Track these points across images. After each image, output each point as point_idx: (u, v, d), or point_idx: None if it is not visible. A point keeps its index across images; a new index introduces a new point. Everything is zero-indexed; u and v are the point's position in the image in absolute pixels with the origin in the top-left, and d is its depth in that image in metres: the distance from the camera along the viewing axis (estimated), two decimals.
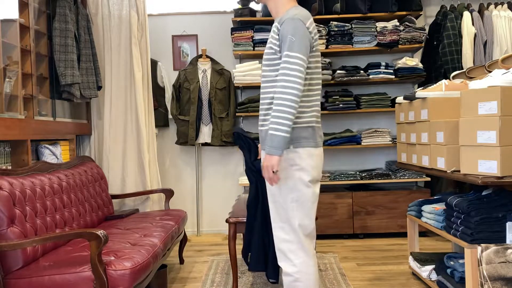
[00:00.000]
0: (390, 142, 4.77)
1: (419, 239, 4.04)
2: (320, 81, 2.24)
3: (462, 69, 4.05)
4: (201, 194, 5.15)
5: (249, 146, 2.80)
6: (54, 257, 2.57)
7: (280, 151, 2.04)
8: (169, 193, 4.14)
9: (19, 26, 3.21)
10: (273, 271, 2.81)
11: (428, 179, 4.76)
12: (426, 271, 3.17)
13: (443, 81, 3.02)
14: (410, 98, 3.23)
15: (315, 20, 4.59)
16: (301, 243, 2.17)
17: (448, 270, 2.86)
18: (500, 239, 2.49)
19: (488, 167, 2.33)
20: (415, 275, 3.44)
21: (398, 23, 4.70)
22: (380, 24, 4.69)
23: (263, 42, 4.68)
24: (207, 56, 4.91)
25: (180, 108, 4.86)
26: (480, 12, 4.69)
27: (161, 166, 5.01)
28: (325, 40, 4.72)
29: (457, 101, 2.83)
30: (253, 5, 4.83)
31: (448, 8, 4.76)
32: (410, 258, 3.44)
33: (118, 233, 3.10)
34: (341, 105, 4.73)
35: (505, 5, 4.67)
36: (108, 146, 4.35)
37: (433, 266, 3.15)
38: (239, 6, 4.80)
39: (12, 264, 2.40)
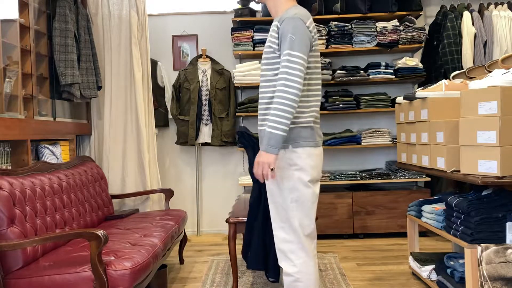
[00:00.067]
0: (390, 142, 4.77)
1: (419, 239, 4.04)
2: (320, 81, 2.24)
3: (462, 69, 4.05)
4: (201, 194, 5.15)
5: (253, 145, 2.80)
6: (54, 257, 2.57)
7: (277, 150, 2.04)
8: (169, 193, 4.14)
9: (19, 26, 3.21)
10: (273, 271, 2.81)
11: (428, 179, 4.76)
12: (426, 271, 3.17)
13: (443, 81, 3.02)
14: (410, 98, 3.23)
15: (315, 20, 4.59)
16: (302, 243, 2.16)
17: (448, 270, 2.86)
18: (500, 239, 2.49)
19: (488, 167, 2.33)
20: (415, 275, 3.44)
21: (398, 23, 4.70)
22: (380, 24, 4.69)
23: (263, 42, 4.68)
24: (207, 56, 4.92)
25: (180, 108, 4.86)
26: (480, 12, 4.69)
27: (161, 166, 5.01)
28: (325, 40, 4.72)
29: (457, 101, 2.83)
30: (253, 5, 4.83)
31: (448, 8, 4.76)
32: (410, 258, 3.44)
33: (118, 233, 3.10)
34: (341, 105, 4.73)
35: (505, 5, 4.67)
36: (108, 146, 4.35)
37: (433, 266, 3.15)
38: (239, 6, 4.80)
39: (12, 264, 2.40)
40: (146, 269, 2.54)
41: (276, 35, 2.12)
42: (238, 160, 5.14)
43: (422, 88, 3.16)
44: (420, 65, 4.72)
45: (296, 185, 2.15)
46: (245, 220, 2.97)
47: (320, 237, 4.35)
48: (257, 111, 4.60)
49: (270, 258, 2.79)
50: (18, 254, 2.41)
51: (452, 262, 2.90)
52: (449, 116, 2.84)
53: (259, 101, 2.24)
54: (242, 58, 5.01)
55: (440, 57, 4.63)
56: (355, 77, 4.69)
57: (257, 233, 2.79)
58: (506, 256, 2.43)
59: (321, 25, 4.68)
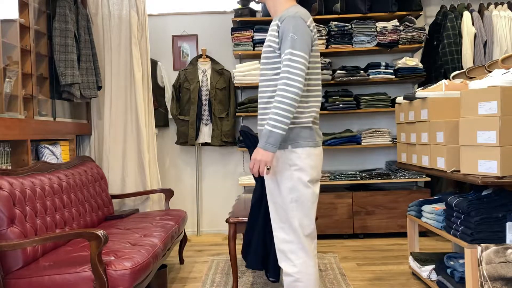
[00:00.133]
0: (390, 142, 4.77)
1: (419, 239, 4.04)
2: (320, 82, 2.23)
3: (462, 69, 4.05)
4: (201, 194, 5.15)
5: (255, 144, 2.79)
6: (54, 257, 2.57)
7: (276, 148, 2.03)
8: (169, 193, 4.14)
9: (19, 26, 3.20)
10: (273, 271, 2.81)
11: (428, 179, 4.76)
12: (426, 271, 3.17)
13: (443, 81, 3.02)
14: (410, 98, 3.23)
15: (315, 20, 4.59)
16: (302, 244, 2.16)
17: (448, 270, 2.86)
18: (500, 239, 2.49)
19: (488, 167, 2.33)
20: (415, 275, 3.44)
21: (398, 23, 4.70)
22: (380, 24, 4.69)
23: (263, 42, 4.61)
24: (207, 56, 4.92)
25: (180, 108, 4.86)
26: (480, 12, 4.69)
27: (161, 166, 5.01)
28: (325, 40, 4.72)
29: (457, 101, 2.83)
30: (253, 5, 4.83)
31: (448, 8, 4.76)
32: (410, 258, 3.44)
33: (118, 233, 3.10)
34: (341, 105, 4.73)
35: (505, 5, 4.67)
36: (108, 146, 4.35)
37: (433, 266, 3.14)
38: (239, 6, 4.80)
39: (12, 264, 2.40)
40: (146, 269, 2.54)
41: (276, 34, 2.11)
42: (238, 160, 5.14)
43: (422, 88, 3.16)
44: (420, 65, 4.72)
45: (296, 185, 2.14)
46: (245, 220, 2.97)
47: (320, 237, 4.35)
48: (257, 111, 4.59)
49: (270, 258, 2.78)
50: (18, 254, 2.41)
51: (452, 262, 2.90)
52: (449, 116, 2.84)
53: (259, 100, 2.23)
54: (242, 58, 5.01)
55: (440, 57, 4.63)
56: (355, 77, 4.69)
57: (258, 233, 2.79)
58: (506, 256, 2.43)
59: (321, 25, 4.68)
